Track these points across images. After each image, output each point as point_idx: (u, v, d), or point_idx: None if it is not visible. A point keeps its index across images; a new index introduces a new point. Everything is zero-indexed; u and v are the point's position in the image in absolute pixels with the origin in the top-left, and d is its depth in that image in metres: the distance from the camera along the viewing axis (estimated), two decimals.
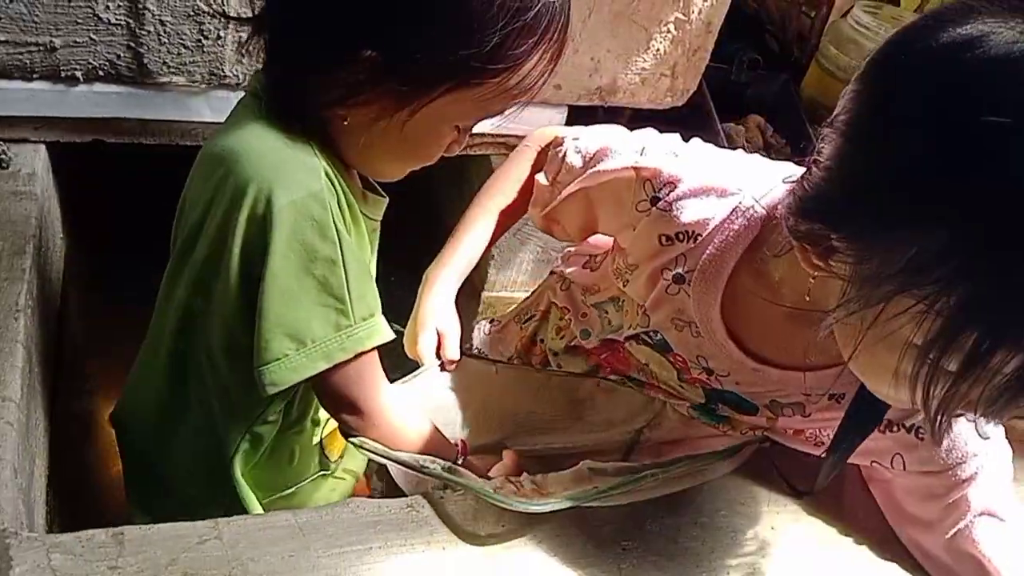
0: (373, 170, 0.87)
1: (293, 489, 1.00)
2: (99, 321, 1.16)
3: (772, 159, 1.49)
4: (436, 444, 0.93)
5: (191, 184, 0.85)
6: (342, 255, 0.78)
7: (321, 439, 1.00)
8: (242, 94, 0.85)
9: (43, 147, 1.26)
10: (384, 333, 0.84)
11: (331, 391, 0.84)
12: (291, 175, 0.76)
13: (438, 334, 0.94)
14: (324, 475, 1.03)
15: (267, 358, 0.78)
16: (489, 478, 0.91)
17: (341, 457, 1.05)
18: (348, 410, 0.86)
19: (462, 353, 0.97)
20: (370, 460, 1.07)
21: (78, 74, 1.21)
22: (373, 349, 0.83)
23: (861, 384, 0.76)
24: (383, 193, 0.92)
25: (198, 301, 0.84)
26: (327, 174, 0.79)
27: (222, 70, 1.26)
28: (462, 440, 0.98)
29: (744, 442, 0.95)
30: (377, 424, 0.87)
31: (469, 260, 0.99)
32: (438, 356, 0.96)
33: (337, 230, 0.78)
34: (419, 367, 0.98)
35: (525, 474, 0.88)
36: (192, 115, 1.29)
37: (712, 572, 0.83)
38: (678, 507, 0.90)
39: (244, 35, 0.86)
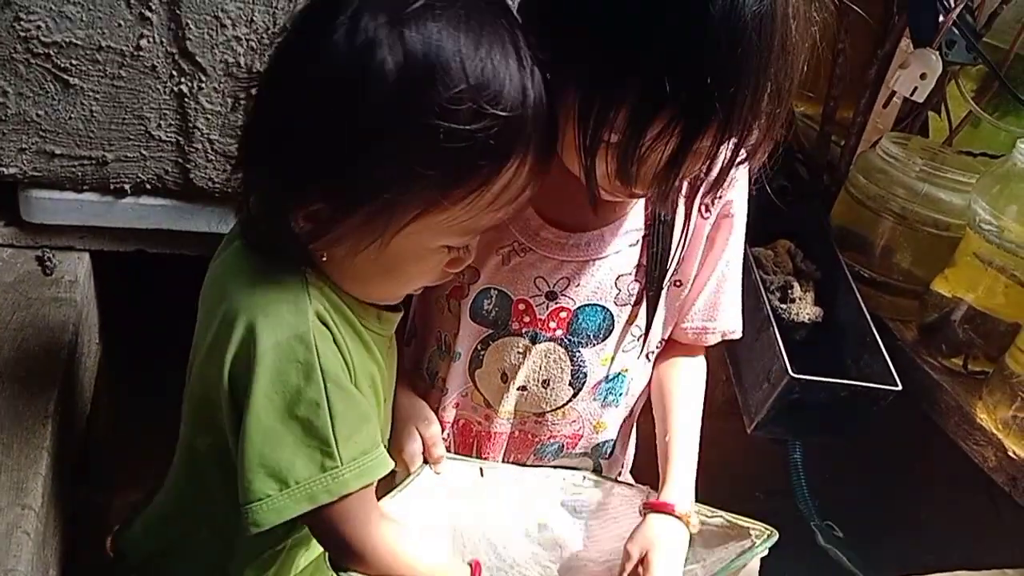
0: (372, 296, 0.85)
1: None
2: (130, 426, 1.16)
3: (803, 285, 1.52)
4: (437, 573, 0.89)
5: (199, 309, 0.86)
6: (327, 397, 0.77)
7: None
8: None
9: (87, 255, 1.30)
10: (378, 470, 0.82)
11: (320, 529, 0.82)
12: (277, 313, 0.76)
13: (420, 436, 0.95)
14: None
15: (249, 498, 0.76)
16: None
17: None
18: (338, 548, 0.83)
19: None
20: None
21: (126, 187, 1.26)
22: (363, 488, 0.81)
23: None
24: (397, 307, 0.89)
25: (201, 433, 0.84)
26: (319, 313, 0.78)
27: None
28: (475, 561, 0.94)
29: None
30: (369, 562, 0.83)
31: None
32: (425, 461, 0.98)
33: (324, 371, 0.77)
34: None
35: None
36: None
37: None
38: None
39: None
